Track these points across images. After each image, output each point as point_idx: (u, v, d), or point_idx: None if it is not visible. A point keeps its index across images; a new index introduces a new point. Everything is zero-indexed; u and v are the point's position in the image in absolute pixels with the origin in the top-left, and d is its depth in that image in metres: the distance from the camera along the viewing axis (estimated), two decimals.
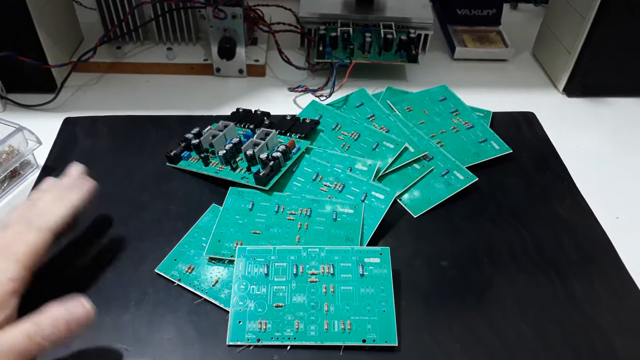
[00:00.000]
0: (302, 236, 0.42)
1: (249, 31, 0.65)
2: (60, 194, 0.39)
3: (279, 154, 0.46)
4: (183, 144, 0.50)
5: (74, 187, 0.40)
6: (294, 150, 0.48)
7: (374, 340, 0.36)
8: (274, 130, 0.49)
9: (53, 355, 0.35)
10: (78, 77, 0.61)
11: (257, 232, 0.43)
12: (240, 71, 0.63)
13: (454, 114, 0.56)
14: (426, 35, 0.66)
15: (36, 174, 0.49)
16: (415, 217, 0.46)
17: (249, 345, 0.36)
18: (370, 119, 0.54)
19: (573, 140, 0.56)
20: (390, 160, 0.49)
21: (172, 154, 0.49)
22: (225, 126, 0.50)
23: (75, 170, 0.42)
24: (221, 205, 0.45)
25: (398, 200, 0.47)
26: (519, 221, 0.46)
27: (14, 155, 0.47)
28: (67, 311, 0.33)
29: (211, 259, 0.41)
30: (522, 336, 0.38)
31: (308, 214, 0.44)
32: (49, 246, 0.36)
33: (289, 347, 0.36)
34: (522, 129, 0.57)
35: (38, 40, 0.55)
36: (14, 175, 0.48)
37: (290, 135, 0.51)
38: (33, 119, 0.56)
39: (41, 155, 0.50)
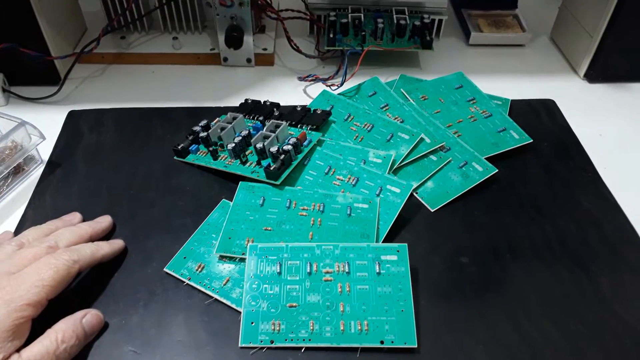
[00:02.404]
0: (316, 233, 0.41)
1: (257, 19, 0.62)
2: (97, 243, 0.39)
3: (289, 147, 0.44)
4: (191, 137, 0.48)
5: (111, 243, 0.40)
6: (305, 143, 0.46)
7: (392, 342, 0.35)
8: (284, 122, 0.47)
9: None
10: (82, 69, 0.60)
11: (269, 228, 0.41)
12: (248, 60, 0.61)
13: (471, 102, 0.53)
14: (440, 21, 0.64)
15: (40, 169, 0.48)
16: (432, 211, 0.44)
17: (262, 347, 0.35)
18: (384, 109, 0.52)
19: (595, 129, 0.54)
20: (405, 152, 0.47)
21: (179, 147, 0.48)
22: (234, 118, 0.48)
23: (108, 222, 0.42)
24: (231, 201, 0.43)
25: (414, 194, 0.45)
26: (541, 214, 0.44)
27: (17, 150, 0.46)
28: (83, 325, 0.34)
29: (222, 257, 0.40)
30: (547, 336, 0.36)
31: (321, 209, 0.42)
32: (71, 279, 0.35)
33: (303, 349, 0.35)
34: (541, 117, 0.54)
35: (40, 31, 0.53)
36: (18, 171, 0.47)
37: (301, 127, 0.49)
38: (37, 113, 0.54)
39: (45, 150, 0.49)
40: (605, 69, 0.59)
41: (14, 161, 0.45)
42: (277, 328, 0.35)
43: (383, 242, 0.41)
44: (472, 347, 0.35)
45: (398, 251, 0.38)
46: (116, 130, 0.52)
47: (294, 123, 0.49)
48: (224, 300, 0.37)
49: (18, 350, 0.31)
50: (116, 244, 0.40)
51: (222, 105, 0.55)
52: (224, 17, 0.57)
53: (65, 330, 0.33)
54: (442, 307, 0.38)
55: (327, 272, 0.37)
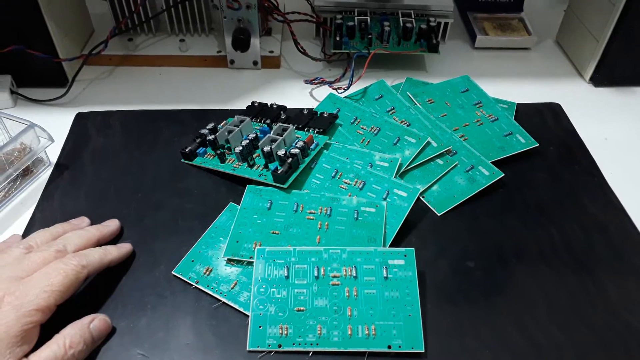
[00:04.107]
0: (323, 236, 0.41)
1: (263, 21, 0.63)
2: (105, 248, 0.39)
3: (297, 150, 0.44)
4: (198, 140, 0.49)
5: (119, 247, 0.40)
6: (312, 146, 0.47)
7: (399, 347, 0.35)
8: (291, 126, 0.47)
9: None
10: (89, 71, 0.60)
11: (276, 232, 0.41)
12: (255, 63, 0.61)
13: (477, 105, 0.54)
14: (446, 24, 0.64)
15: (49, 171, 0.48)
16: (439, 215, 0.44)
17: (270, 351, 0.35)
18: (391, 112, 0.52)
19: (601, 132, 0.54)
20: (412, 156, 0.47)
21: (187, 150, 0.48)
22: (241, 121, 0.49)
23: (116, 225, 0.42)
24: (239, 204, 0.43)
25: (421, 198, 0.45)
26: (547, 219, 0.44)
27: (25, 153, 0.46)
28: (91, 331, 0.34)
29: (229, 261, 0.40)
30: (554, 341, 0.36)
31: (328, 213, 0.42)
32: (80, 285, 0.36)
33: (311, 353, 0.35)
34: (547, 121, 0.55)
35: (48, 32, 0.54)
36: (27, 173, 0.47)
37: (307, 130, 0.49)
38: (44, 114, 0.55)
39: (53, 152, 0.49)
40: (611, 72, 0.59)
41: (22, 163, 0.45)
42: (285, 332, 0.35)
43: (390, 246, 0.41)
44: (479, 351, 0.36)
45: (405, 256, 0.38)
46: (123, 133, 0.52)
47: (300, 126, 0.49)
48: (232, 304, 0.38)
49: (26, 355, 0.31)
50: (124, 247, 0.40)
51: (228, 107, 0.55)
52: (231, 20, 0.57)
53: (73, 336, 0.33)
54: (448, 311, 0.38)
55: (335, 276, 0.38)
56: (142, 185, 0.46)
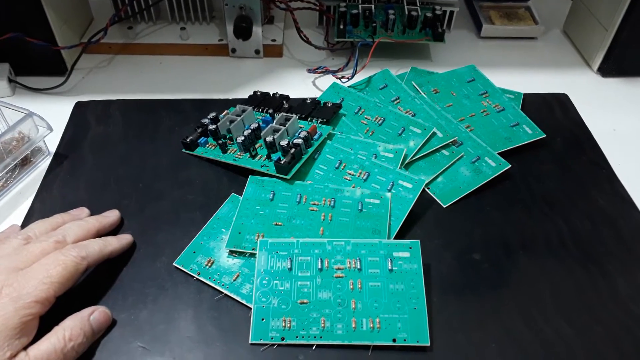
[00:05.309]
0: (326, 228, 0.40)
1: (266, 9, 0.62)
2: (105, 239, 0.38)
3: (300, 140, 0.44)
4: (199, 130, 0.48)
5: (119, 238, 0.39)
6: (315, 137, 0.46)
7: (404, 340, 0.34)
8: (294, 115, 0.46)
9: None
10: (89, 59, 0.59)
11: (279, 223, 0.40)
12: (257, 51, 0.60)
13: (483, 96, 0.53)
14: (451, 12, 0.63)
15: (47, 161, 0.47)
16: (444, 207, 0.44)
17: (273, 344, 0.35)
18: (395, 102, 0.51)
19: (609, 124, 0.53)
20: (417, 146, 0.46)
21: (188, 140, 0.47)
22: (243, 111, 0.48)
23: (116, 216, 0.41)
24: (241, 195, 0.43)
25: (426, 189, 0.45)
26: (554, 211, 0.44)
27: (24, 142, 0.45)
28: (91, 323, 0.34)
29: (231, 252, 0.39)
30: (561, 335, 0.36)
31: (332, 204, 0.41)
32: (80, 276, 0.35)
33: (314, 346, 0.34)
34: (554, 112, 0.54)
35: (46, 20, 0.53)
36: (25, 163, 0.47)
37: (311, 120, 0.48)
38: (43, 103, 0.54)
39: (52, 142, 0.48)
40: (620, 63, 0.58)
41: (21, 153, 0.44)
42: (288, 325, 0.35)
43: (395, 238, 0.40)
44: (485, 345, 0.35)
45: (410, 248, 0.38)
46: (124, 122, 0.51)
47: (303, 116, 0.48)
48: (234, 296, 0.37)
49: (25, 348, 0.31)
50: (124, 239, 0.39)
51: (230, 97, 0.54)
52: (232, 8, 0.56)
53: (72, 328, 0.32)
54: (454, 304, 0.37)
55: (339, 269, 0.37)
56: (143, 175, 0.46)
